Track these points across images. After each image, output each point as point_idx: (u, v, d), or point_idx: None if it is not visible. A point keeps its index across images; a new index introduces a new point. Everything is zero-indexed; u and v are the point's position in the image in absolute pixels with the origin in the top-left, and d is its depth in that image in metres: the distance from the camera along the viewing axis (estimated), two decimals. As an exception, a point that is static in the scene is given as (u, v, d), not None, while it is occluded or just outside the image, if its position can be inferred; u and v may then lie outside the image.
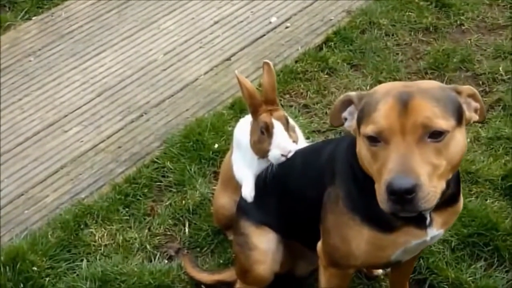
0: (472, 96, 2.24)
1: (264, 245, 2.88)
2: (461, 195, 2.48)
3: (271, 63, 2.86)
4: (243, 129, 2.99)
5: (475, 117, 2.25)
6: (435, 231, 2.41)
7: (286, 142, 2.81)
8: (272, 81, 2.86)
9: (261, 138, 2.83)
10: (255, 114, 2.86)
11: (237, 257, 2.99)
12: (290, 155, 2.80)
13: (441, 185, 2.11)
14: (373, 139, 2.12)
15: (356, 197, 2.39)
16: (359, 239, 2.42)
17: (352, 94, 2.30)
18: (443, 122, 2.08)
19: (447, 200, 2.33)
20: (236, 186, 3.04)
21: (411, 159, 2.05)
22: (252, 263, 2.90)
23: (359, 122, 2.21)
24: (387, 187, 2.05)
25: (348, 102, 2.32)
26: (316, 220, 2.60)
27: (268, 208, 2.88)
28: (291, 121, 2.97)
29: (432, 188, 2.06)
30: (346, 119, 2.34)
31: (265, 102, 2.84)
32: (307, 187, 2.68)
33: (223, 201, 3.20)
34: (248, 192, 2.93)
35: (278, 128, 2.80)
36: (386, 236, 2.38)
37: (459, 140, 2.13)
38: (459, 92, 2.21)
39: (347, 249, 2.48)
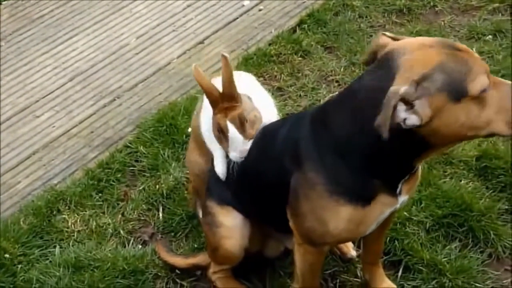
0: None
1: (230, 222, 2.86)
2: None
3: (227, 56, 2.66)
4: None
5: None
6: (402, 198, 2.46)
7: (242, 145, 2.73)
8: (228, 75, 2.68)
9: (219, 137, 2.76)
10: (214, 110, 2.75)
11: (206, 236, 2.98)
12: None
13: None
14: (483, 90, 2.14)
15: (343, 178, 2.37)
16: (339, 219, 2.42)
17: (401, 91, 2.10)
18: None
19: None
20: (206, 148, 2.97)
21: None
22: (219, 239, 2.88)
23: (454, 94, 2.12)
24: None
25: (401, 101, 2.14)
26: (280, 204, 2.59)
27: (232, 191, 2.86)
28: (259, 98, 2.85)
29: None
30: (405, 119, 2.15)
31: (223, 98, 2.69)
32: (266, 173, 2.66)
33: (198, 160, 3.09)
34: (219, 168, 2.86)
35: (232, 131, 2.69)
36: (365, 210, 2.40)
37: None
38: None
39: (325, 229, 2.47)
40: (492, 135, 2.26)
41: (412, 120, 2.14)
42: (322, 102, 2.66)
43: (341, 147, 2.33)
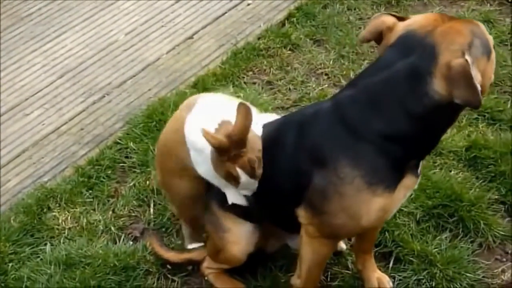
0: None
1: (238, 227, 2.86)
2: None
3: (248, 106, 2.55)
4: (196, 129, 2.70)
5: None
6: (419, 178, 2.57)
7: (252, 186, 2.69)
8: (246, 125, 2.54)
9: (228, 179, 2.69)
10: (221, 157, 2.63)
11: (210, 235, 2.97)
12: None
13: None
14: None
15: (380, 167, 2.40)
16: (373, 211, 2.45)
17: (470, 60, 2.21)
18: None
19: None
20: (194, 174, 2.88)
21: None
22: (226, 243, 2.88)
23: (488, 53, 2.30)
24: None
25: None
26: (289, 205, 2.61)
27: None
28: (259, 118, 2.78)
29: None
30: None
31: (233, 146, 2.58)
32: (276, 178, 2.65)
33: (184, 187, 3.01)
34: (237, 199, 2.81)
35: (244, 178, 2.65)
36: (394, 196, 2.46)
37: None
38: None
39: (356, 223, 2.49)
40: None
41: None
42: (328, 97, 2.60)
43: (384, 136, 2.36)
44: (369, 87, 2.40)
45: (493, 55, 2.34)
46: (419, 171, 2.53)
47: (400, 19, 2.40)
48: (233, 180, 2.67)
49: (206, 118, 2.73)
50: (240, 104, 2.56)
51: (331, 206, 2.48)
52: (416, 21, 2.35)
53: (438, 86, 2.24)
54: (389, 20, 2.39)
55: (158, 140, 3.09)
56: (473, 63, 2.21)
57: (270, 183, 2.68)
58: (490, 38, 2.33)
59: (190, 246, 3.20)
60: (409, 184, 2.51)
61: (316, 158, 2.48)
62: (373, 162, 2.39)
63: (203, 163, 2.80)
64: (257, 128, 2.75)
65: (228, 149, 2.58)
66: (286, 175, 2.62)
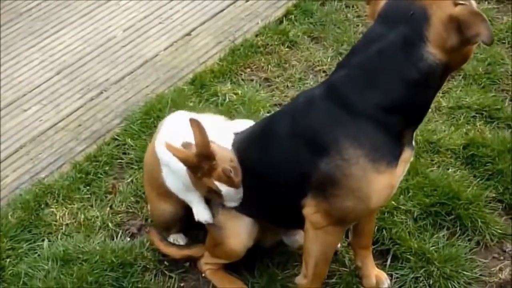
0: None
1: (237, 221, 2.86)
2: None
3: (197, 119, 2.62)
4: (163, 145, 2.77)
5: None
6: (413, 151, 2.60)
7: (236, 194, 2.73)
8: (203, 137, 2.61)
9: (211, 195, 2.76)
10: (195, 174, 2.70)
11: (209, 229, 2.97)
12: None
13: None
14: None
15: (380, 143, 2.42)
16: (381, 189, 2.47)
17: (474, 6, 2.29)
18: None
19: None
20: (173, 197, 2.98)
21: None
22: (224, 237, 2.88)
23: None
24: None
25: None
26: (290, 198, 2.62)
27: None
28: (216, 132, 2.80)
29: None
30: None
31: (200, 160, 2.64)
32: (274, 172, 2.66)
33: (163, 211, 3.12)
34: (203, 215, 2.88)
35: (225, 189, 2.68)
36: (396, 171, 2.48)
37: None
38: None
39: (366, 204, 2.50)
40: None
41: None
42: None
43: (383, 109, 2.38)
44: (363, 62, 2.42)
45: None
46: (413, 142, 2.56)
47: None
48: (215, 194, 2.71)
49: (172, 134, 2.80)
50: (191, 120, 2.61)
51: (340, 189, 2.47)
52: None
53: (432, 48, 2.29)
54: None
55: (145, 156, 3.19)
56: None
57: (268, 180, 2.69)
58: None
59: (171, 238, 3.23)
60: (407, 158, 2.53)
61: (317, 145, 2.48)
62: (373, 138, 2.41)
63: (171, 178, 2.90)
64: (226, 138, 2.82)
65: (198, 164, 2.64)
66: (284, 169, 2.62)
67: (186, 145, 2.68)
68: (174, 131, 2.83)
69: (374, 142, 2.41)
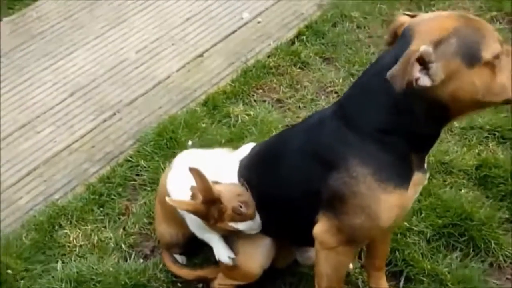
0: None
1: (254, 242, 2.87)
2: None
3: (196, 168, 2.63)
4: (179, 186, 2.84)
5: None
6: (427, 174, 2.59)
7: (255, 224, 2.74)
8: (205, 184, 2.64)
9: (231, 233, 2.78)
10: (208, 222, 2.73)
11: None
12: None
13: None
14: (496, 57, 2.24)
15: (387, 164, 2.41)
16: (390, 209, 2.45)
17: (421, 49, 2.19)
18: None
19: None
20: (182, 222, 2.98)
21: None
22: (241, 259, 2.88)
23: (468, 59, 2.22)
24: None
25: (421, 61, 2.22)
26: (302, 215, 2.62)
27: None
28: (219, 170, 2.84)
29: None
30: (418, 78, 2.22)
31: (208, 206, 2.67)
32: (285, 190, 2.66)
33: (167, 233, 3.17)
34: (224, 256, 2.89)
35: (242, 226, 2.71)
36: (407, 192, 2.46)
37: None
38: None
39: (375, 223, 2.48)
40: (507, 102, 2.34)
41: (424, 81, 2.22)
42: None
43: (380, 130, 2.38)
44: (363, 82, 2.45)
45: (486, 65, 2.24)
46: (425, 166, 2.54)
47: (414, 16, 2.41)
48: (236, 232, 2.73)
49: (183, 176, 2.77)
50: (190, 169, 2.63)
51: (349, 206, 2.47)
52: (422, 16, 2.37)
53: None
54: (403, 19, 2.41)
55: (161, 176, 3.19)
56: (438, 58, 2.20)
57: (280, 197, 2.70)
58: (486, 48, 2.24)
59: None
60: (418, 181, 2.51)
61: (327, 161, 2.49)
62: (379, 159, 2.41)
63: (188, 219, 2.92)
64: (231, 171, 2.83)
65: (206, 212, 2.67)
66: (297, 185, 2.62)
67: (193, 188, 2.69)
68: (183, 174, 2.80)
69: (380, 162, 2.41)
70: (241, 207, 2.67)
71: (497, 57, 2.25)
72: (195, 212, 2.70)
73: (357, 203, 2.46)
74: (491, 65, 2.25)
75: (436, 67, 2.21)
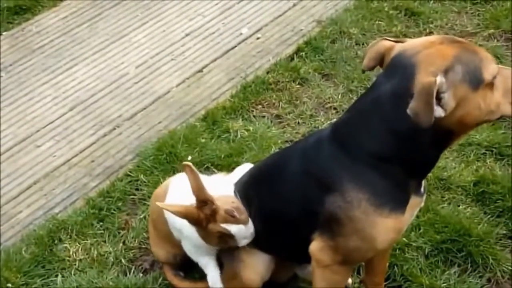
0: None
1: (255, 254, 2.88)
2: None
3: (189, 164, 2.66)
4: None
5: None
6: (424, 197, 2.61)
7: (247, 231, 2.76)
8: (197, 182, 2.67)
9: (224, 241, 2.78)
10: (200, 226, 2.75)
11: (226, 262, 2.98)
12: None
13: None
14: (494, 77, 2.30)
15: (382, 189, 2.42)
16: (385, 232, 2.47)
17: (438, 81, 2.19)
18: None
19: None
20: (175, 243, 3.03)
21: None
22: (242, 270, 2.89)
23: (473, 83, 2.26)
24: None
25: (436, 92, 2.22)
26: (299, 234, 2.63)
27: None
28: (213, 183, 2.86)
29: None
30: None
31: (200, 206, 2.69)
32: (282, 209, 2.69)
33: (161, 253, 3.20)
34: (217, 284, 2.96)
35: (233, 229, 2.72)
36: (403, 216, 2.47)
37: None
38: None
39: (370, 246, 2.51)
40: (501, 117, 2.39)
41: (438, 112, 2.23)
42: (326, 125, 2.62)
43: (376, 157, 2.39)
44: (359, 109, 2.46)
45: (486, 86, 2.28)
46: (422, 189, 2.56)
47: (399, 42, 2.41)
48: (227, 238, 2.73)
49: (180, 198, 2.83)
50: (184, 165, 2.66)
51: (345, 229, 2.49)
52: (411, 42, 2.37)
53: None
54: (387, 43, 2.41)
55: (152, 197, 3.24)
56: (448, 87, 2.22)
57: (278, 215, 2.72)
58: (487, 69, 2.28)
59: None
60: (415, 203, 2.53)
61: (324, 184, 2.51)
62: (375, 184, 2.42)
63: (186, 244, 2.97)
64: (226, 192, 2.84)
65: (199, 214, 2.69)
66: (294, 204, 2.64)
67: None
68: (180, 197, 2.84)
69: (376, 187, 2.42)
70: (233, 211, 2.70)
71: (495, 77, 2.30)
72: (186, 216, 2.71)
73: (353, 227, 2.47)
74: (490, 85, 2.29)
75: (448, 96, 2.24)
